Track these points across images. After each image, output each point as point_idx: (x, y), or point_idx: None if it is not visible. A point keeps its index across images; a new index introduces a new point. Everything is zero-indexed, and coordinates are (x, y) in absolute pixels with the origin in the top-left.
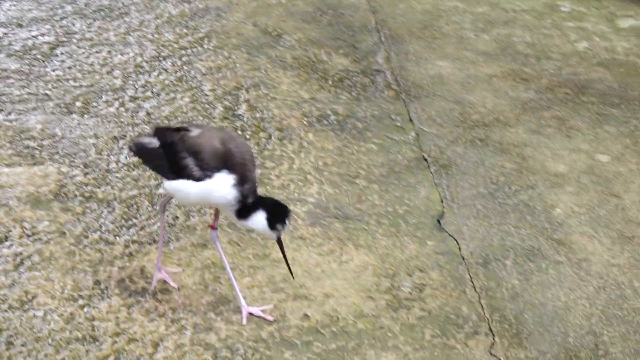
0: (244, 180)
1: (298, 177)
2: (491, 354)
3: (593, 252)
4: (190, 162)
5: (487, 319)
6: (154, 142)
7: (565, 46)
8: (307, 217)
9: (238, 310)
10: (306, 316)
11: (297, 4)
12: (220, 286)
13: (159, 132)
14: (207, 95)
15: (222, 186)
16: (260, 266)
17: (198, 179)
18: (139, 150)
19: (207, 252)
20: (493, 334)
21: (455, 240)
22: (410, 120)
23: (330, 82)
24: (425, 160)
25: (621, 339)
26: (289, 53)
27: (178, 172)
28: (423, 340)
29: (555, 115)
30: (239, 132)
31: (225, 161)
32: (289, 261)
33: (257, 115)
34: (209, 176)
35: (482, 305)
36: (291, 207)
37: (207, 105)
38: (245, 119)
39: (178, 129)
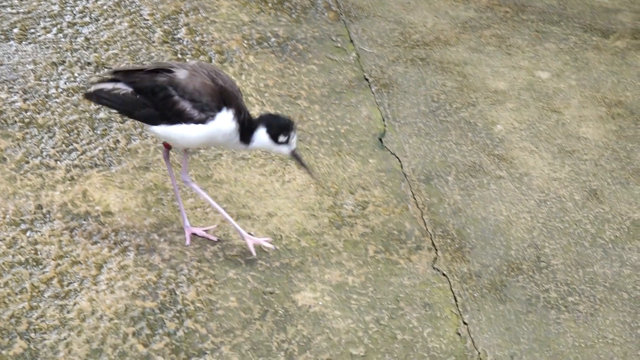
0: (240, 110)
1: None
2: (434, 268)
3: (534, 167)
4: (186, 105)
5: (430, 234)
6: (122, 87)
7: None
8: None
9: (181, 231)
10: (250, 235)
11: None
12: (163, 208)
13: (125, 75)
14: (146, 19)
15: (225, 124)
16: (204, 187)
17: (200, 122)
18: (104, 97)
19: (149, 174)
20: (436, 249)
21: (397, 158)
22: (351, 41)
23: (270, 5)
24: (367, 80)
25: (562, 250)
26: None
27: (171, 117)
28: (366, 256)
29: (495, 34)
30: (179, 56)
31: (222, 98)
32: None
33: (197, 38)
34: (212, 117)
35: (424, 221)
36: None
37: (146, 30)
38: (185, 43)
39: (153, 71)
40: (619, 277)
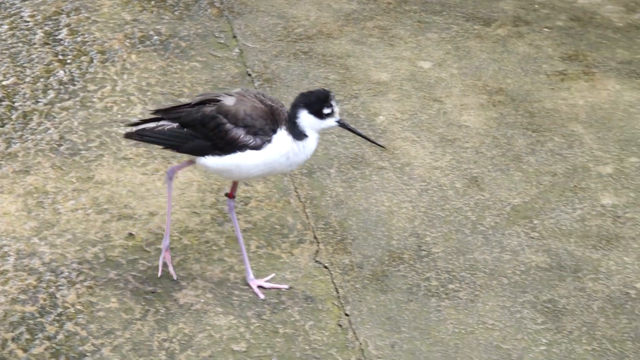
0: (291, 124)
1: (121, 99)
2: (316, 261)
3: (415, 157)
4: (240, 132)
5: (312, 228)
6: (166, 124)
7: None
8: None
9: (62, 233)
10: (131, 235)
11: None
12: (44, 211)
13: (167, 113)
14: (27, 21)
15: (283, 144)
16: (84, 189)
17: (255, 147)
18: (147, 135)
19: (30, 178)
20: (318, 242)
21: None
22: (234, 36)
23: (152, 3)
24: (249, 75)
25: (443, 238)
26: None
27: (225, 147)
28: (249, 252)
29: (378, 25)
30: (60, 57)
31: (274, 119)
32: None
33: (79, 39)
34: (269, 140)
35: (306, 215)
36: (115, 129)
37: (26, 32)
38: (66, 44)
39: (198, 104)
40: (498, 263)
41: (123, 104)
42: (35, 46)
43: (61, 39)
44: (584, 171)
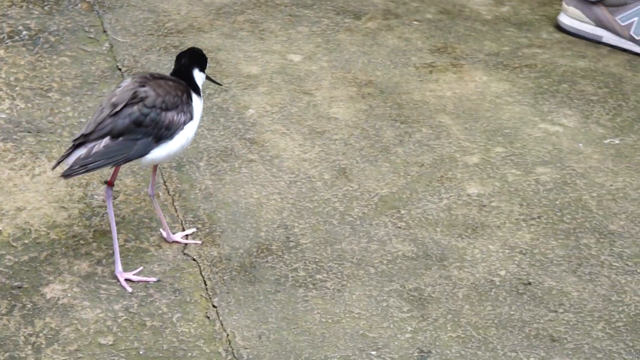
0: (191, 85)
1: None
2: (184, 253)
3: (285, 149)
4: (173, 114)
5: (181, 220)
6: (96, 144)
7: None
8: None
9: None
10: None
11: None
12: None
13: (89, 135)
14: None
15: (199, 105)
16: None
17: (188, 120)
18: (86, 164)
19: None
20: (186, 235)
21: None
22: (105, 31)
23: None
24: (119, 69)
25: (311, 229)
26: None
27: (167, 135)
28: None
29: (248, 19)
30: None
31: (182, 88)
32: None
33: None
34: (191, 109)
35: (175, 208)
36: None
37: None
38: None
39: (114, 114)
40: (366, 253)
41: None
42: None
43: None
44: (451, 161)
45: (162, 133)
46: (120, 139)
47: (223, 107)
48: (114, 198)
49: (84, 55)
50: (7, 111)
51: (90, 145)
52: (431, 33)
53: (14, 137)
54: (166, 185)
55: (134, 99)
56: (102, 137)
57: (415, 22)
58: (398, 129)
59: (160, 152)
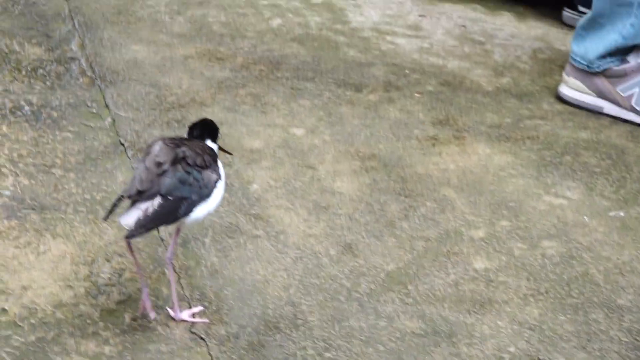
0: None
1: None
2: (192, 332)
3: (290, 224)
4: (209, 172)
5: (187, 298)
6: (150, 203)
7: (260, 24)
8: (2, 210)
9: None
10: (4, 310)
11: None
12: None
13: (141, 193)
14: None
15: (221, 165)
16: None
17: (219, 178)
18: (147, 225)
19: None
20: (194, 313)
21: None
22: (107, 106)
23: (23, 73)
24: (122, 144)
25: (319, 306)
26: None
27: (207, 192)
28: (123, 325)
29: (250, 92)
30: None
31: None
32: None
33: None
34: (217, 167)
35: (182, 285)
36: None
37: None
38: None
39: (160, 174)
40: (374, 330)
41: None
42: None
43: None
44: (456, 235)
45: (203, 191)
46: (170, 198)
47: (227, 182)
48: (119, 275)
49: (86, 131)
50: (11, 188)
51: (143, 205)
52: (433, 105)
53: (18, 214)
54: (172, 263)
55: (177, 158)
56: (153, 195)
57: (416, 95)
58: (403, 203)
59: (201, 210)
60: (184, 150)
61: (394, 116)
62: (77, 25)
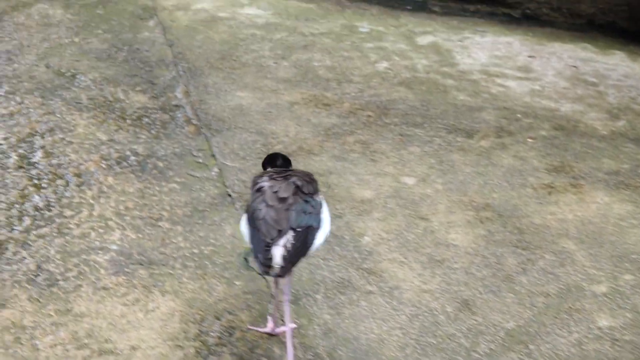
0: None
1: (99, 224)
2: None
3: (404, 279)
4: (319, 198)
5: (300, 359)
6: (289, 237)
7: (366, 67)
8: (110, 265)
9: None
10: None
11: (91, 41)
12: (22, 347)
13: (281, 234)
14: (0, 144)
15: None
16: (63, 322)
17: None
18: (293, 260)
19: (6, 312)
20: None
21: (264, 278)
22: (213, 155)
23: (128, 122)
24: (230, 196)
25: None
26: (85, 94)
27: (323, 217)
28: None
29: (359, 140)
30: (35, 182)
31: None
32: None
33: (54, 161)
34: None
35: (295, 346)
36: (93, 257)
37: (0, 155)
38: (41, 167)
39: (284, 210)
40: None
41: (101, 230)
42: (10, 170)
43: (36, 162)
44: (577, 291)
45: (319, 217)
46: (299, 229)
47: (337, 234)
48: (230, 335)
49: (193, 181)
50: (118, 242)
51: (281, 242)
52: (547, 151)
53: (126, 270)
54: (283, 321)
55: (296, 190)
56: (286, 231)
57: (529, 140)
58: (520, 256)
59: (321, 236)
60: (295, 180)
61: (507, 163)
62: (181, 72)
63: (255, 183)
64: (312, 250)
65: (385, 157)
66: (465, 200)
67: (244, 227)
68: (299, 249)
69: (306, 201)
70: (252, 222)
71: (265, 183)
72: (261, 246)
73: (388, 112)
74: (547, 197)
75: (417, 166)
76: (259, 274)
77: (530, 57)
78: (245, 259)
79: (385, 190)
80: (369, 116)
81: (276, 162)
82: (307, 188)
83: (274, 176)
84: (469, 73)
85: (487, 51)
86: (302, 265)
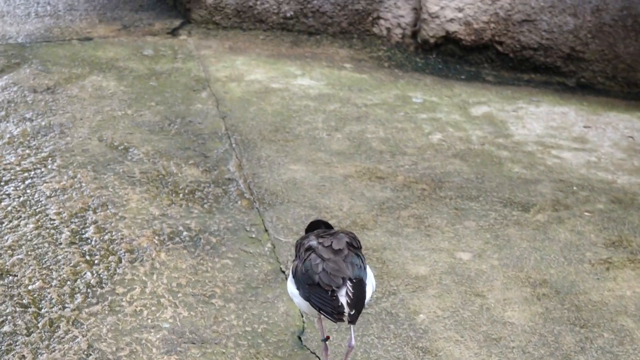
0: None
1: (151, 302)
2: None
3: (460, 359)
4: (362, 254)
5: None
6: (349, 288)
7: (420, 139)
8: (162, 344)
9: None
10: None
11: (143, 114)
12: None
13: (352, 282)
14: (52, 219)
15: None
16: None
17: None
18: (359, 309)
19: None
20: None
21: (318, 357)
22: (266, 230)
23: (181, 196)
24: (283, 272)
25: None
26: (137, 167)
27: (367, 272)
28: None
29: (413, 214)
30: (87, 258)
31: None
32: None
33: (106, 237)
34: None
35: None
36: (145, 335)
37: (52, 231)
38: (93, 243)
39: (344, 256)
40: None
41: (153, 308)
42: (62, 246)
43: (88, 238)
44: None
45: (367, 272)
46: (355, 280)
47: (392, 312)
48: None
49: (246, 257)
50: (170, 320)
51: (342, 292)
52: (604, 225)
53: (178, 349)
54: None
55: (348, 245)
56: (347, 280)
57: (586, 214)
58: (578, 334)
59: (370, 290)
60: (343, 236)
61: (564, 237)
62: (234, 144)
63: (301, 245)
64: (366, 303)
65: (440, 231)
66: (521, 276)
67: (292, 288)
68: (361, 298)
69: (357, 255)
70: (307, 278)
71: (314, 242)
72: (326, 297)
73: (442, 185)
74: (605, 272)
75: (473, 241)
76: (322, 340)
77: (585, 127)
78: (299, 338)
79: (441, 266)
80: (423, 189)
81: (319, 228)
82: (355, 243)
83: (321, 234)
84: (524, 144)
85: (542, 121)
86: (357, 344)
